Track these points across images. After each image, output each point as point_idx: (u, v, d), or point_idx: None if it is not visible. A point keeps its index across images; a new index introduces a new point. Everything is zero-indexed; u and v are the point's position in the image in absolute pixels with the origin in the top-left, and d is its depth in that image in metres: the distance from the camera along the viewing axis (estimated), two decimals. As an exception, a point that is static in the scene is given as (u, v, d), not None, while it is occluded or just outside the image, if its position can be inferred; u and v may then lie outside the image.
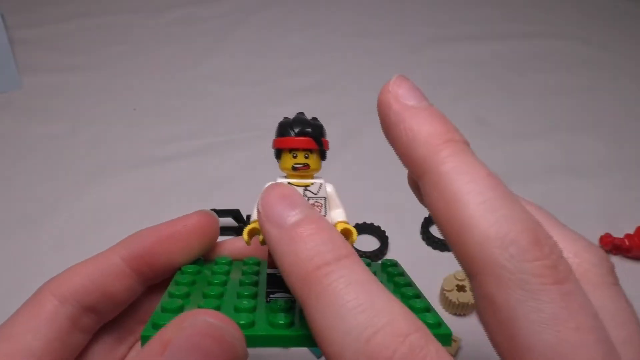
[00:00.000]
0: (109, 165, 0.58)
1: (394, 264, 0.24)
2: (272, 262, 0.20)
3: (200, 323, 0.15)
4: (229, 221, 0.48)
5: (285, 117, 0.21)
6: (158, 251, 0.22)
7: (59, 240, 0.48)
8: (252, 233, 0.20)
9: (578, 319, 0.13)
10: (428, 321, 0.18)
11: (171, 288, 0.20)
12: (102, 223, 0.50)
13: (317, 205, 0.20)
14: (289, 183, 0.20)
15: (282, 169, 0.20)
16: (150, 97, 0.70)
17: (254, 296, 0.20)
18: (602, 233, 0.48)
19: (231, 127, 0.64)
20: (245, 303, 0.19)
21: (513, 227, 0.14)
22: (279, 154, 0.20)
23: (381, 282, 0.21)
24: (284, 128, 0.20)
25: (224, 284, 0.21)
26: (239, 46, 0.82)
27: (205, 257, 0.24)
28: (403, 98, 0.18)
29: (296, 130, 0.20)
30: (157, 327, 0.17)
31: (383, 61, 0.78)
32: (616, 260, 0.47)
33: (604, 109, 0.69)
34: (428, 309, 0.19)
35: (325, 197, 0.20)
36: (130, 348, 0.23)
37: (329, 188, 0.20)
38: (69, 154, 0.60)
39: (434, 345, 0.14)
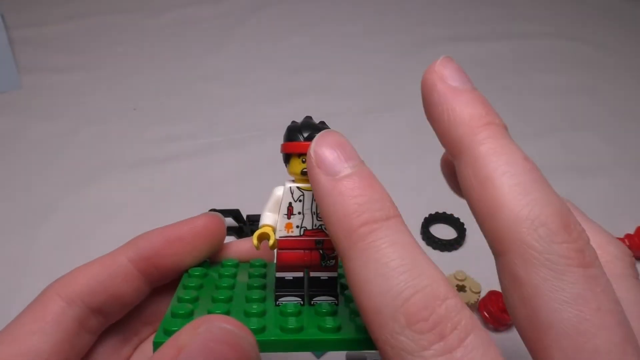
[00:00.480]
0: (109, 165, 0.58)
1: None
2: (280, 265, 0.20)
3: (215, 329, 0.15)
4: (229, 221, 0.48)
5: (294, 121, 0.20)
6: (165, 253, 0.22)
7: (59, 240, 0.48)
8: (262, 238, 0.20)
9: (600, 301, 0.14)
10: None
11: (180, 292, 0.20)
12: (102, 223, 0.50)
13: None
14: (298, 187, 0.20)
15: (291, 173, 0.20)
16: (150, 97, 0.70)
17: (263, 300, 0.20)
18: (602, 233, 0.48)
19: (231, 127, 0.64)
20: (255, 307, 0.19)
21: (544, 210, 0.15)
22: (287, 158, 0.20)
23: None
24: (293, 132, 0.20)
25: (232, 287, 0.21)
26: (239, 46, 0.82)
27: (211, 259, 0.24)
28: (448, 79, 0.18)
29: (305, 134, 0.20)
30: (168, 333, 0.17)
31: (383, 61, 0.78)
32: (616, 260, 0.47)
33: (604, 109, 0.69)
34: None
35: None
36: (135, 349, 0.23)
37: None
38: (69, 153, 0.60)
39: (468, 311, 0.14)
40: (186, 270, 0.22)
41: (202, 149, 0.60)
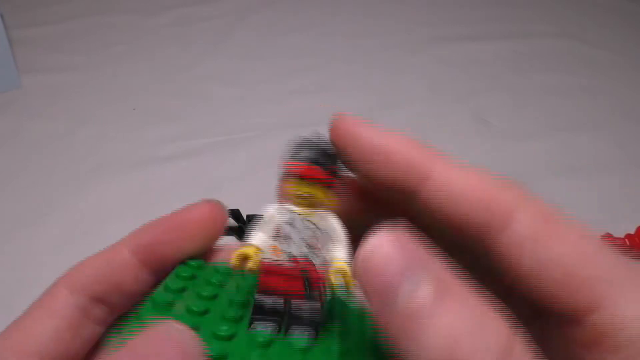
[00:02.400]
0: (109, 165, 0.58)
1: None
2: (262, 289, 0.18)
3: (160, 328, 0.14)
4: (229, 221, 0.48)
5: (304, 137, 0.19)
6: (165, 240, 0.21)
7: (59, 240, 0.48)
8: (242, 257, 0.18)
9: None
10: None
11: (156, 294, 0.19)
12: (102, 223, 0.50)
13: (317, 238, 0.19)
14: (290, 210, 0.19)
15: (285, 192, 0.19)
16: (150, 97, 0.70)
17: (239, 320, 0.18)
18: (603, 233, 0.48)
19: (231, 127, 0.64)
20: (225, 329, 0.17)
21: None
22: (284, 176, 0.19)
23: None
24: (295, 151, 0.19)
25: (214, 297, 0.19)
26: (239, 46, 0.82)
27: (208, 258, 0.23)
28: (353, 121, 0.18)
29: (305, 157, 0.18)
30: (122, 332, 0.16)
31: (383, 61, 0.78)
32: (616, 260, 0.47)
33: (604, 109, 0.69)
34: None
35: (327, 231, 0.19)
36: None
37: (333, 220, 0.19)
38: (69, 153, 0.60)
39: None
40: (183, 262, 0.21)
41: (202, 149, 0.60)
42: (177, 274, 0.21)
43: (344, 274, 0.18)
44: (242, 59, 0.79)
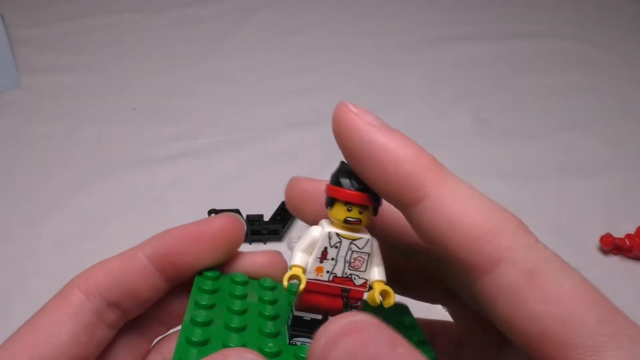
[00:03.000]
0: (109, 165, 0.58)
1: (405, 313, 0.23)
2: (302, 306, 0.20)
3: None
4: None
5: (343, 162, 0.20)
6: (183, 251, 0.21)
7: (59, 240, 0.48)
8: (292, 279, 0.19)
9: None
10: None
11: (193, 312, 0.19)
12: (102, 223, 0.50)
13: (360, 260, 0.20)
14: (337, 234, 0.19)
15: (333, 217, 0.19)
16: (150, 97, 0.70)
17: (276, 334, 0.19)
18: (603, 233, 0.48)
19: (231, 127, 0.64)
20: (271, 345, 0.18)
21: None
22: (331, 201, 0.20)
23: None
24: (343, 177, 0.19)
25: (244, 312, 0.20)
26: (239, 46, 0.82)
27: (222, 268, 0.24)
28: (367, 118, 0.18)
29: (356, 185, 0.19)
30: None
31: (383, 61, 0.78)
32: (617, 260, 0.47)
33: (604, 109, 0.69)
34: (424, 342, 0.18)
35: (369, 254, 0.20)
36: (152, 347, 0.24)
37: (375, 245, 0.20)
38: (69, 153, 0.60)
39: None
40: (199, 273, 0.22)
41: (202, 149, 0.60)
42: (200, 288, 0.21)
43: (384, 294, 0.19)
44: (242, 59, 0.79)
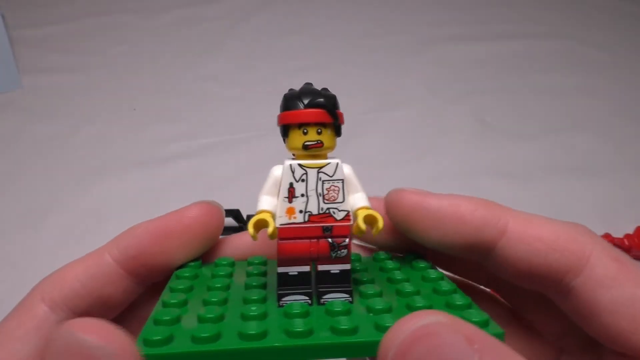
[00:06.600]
0: (109, 165, 0.58)
1: (419, 257, 0.21)
2: (283, 259, 0.17)
3: (65, 339, 0.13)
4: (229, 221, 0.48)
5: (291, 89, 0.18)
6: (153, 251, 0.19)
7: (59, 240, 0.48)
8: (259, 226, 0.17)
9: None
10: (473, 319, 0.15)
11: (165, 296, 0.18)
12: (102, 223, 0.50)
13: (334, 190, 0.17)
14: (300, 165, 0.17)
15: (291, 148, 0.17)
16: (150, 97, 0.70)
17: (264, 300, 0.17)
18: (602, 233, 0.48)
19: (231, 127, 0.64)
20: (255, 309, 0.16)
21: None
22: (285, 131, 0.17)
23: (409, 278, 0.19)
24: (291, 100, 0.17)
25: (227, 288, 0.18)
26: (239, 46, 0.82)
27: (204, 258, 0.22)
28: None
29: (306, 101, 0.17)
30: (148, 343, 0.15)
31: (383, 61, 0.78)
32: (616, 260, 0.47)
33: (604, 109, 0.69)
34: (470, 305, 0.16)
35: (342, 180, 0.17)
36: None
37: (347, 169, 0.18)
38: (69, 153, 0.60)
39: None
40: (177, 268, 0.20)
41: (202, 149, 0.61)
42: (177, 275, 0.20)
43: (372, 221, 0.17)
44: (242, 59, 0.79)
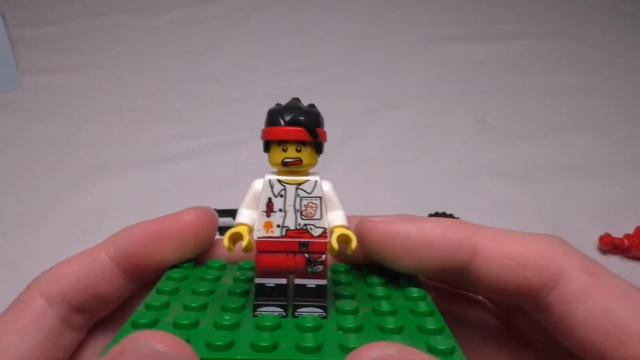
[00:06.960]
0: (109, 165, 0.58)
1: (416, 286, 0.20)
2: (260, 271, 0.17)
3: (143, 350, 0.13)
4: (229, 221, 0.47)
5: (278, 104, 0.18)
6: (147, 252, 0.20)
7: (59, 240, 0.48)
8: (235, 239, 0.17)
9: None
10: (439, 347, 0.15)
11: (149, 298, 0.18)
12: (102, 223, 0.50)
13: (312, 207, 0.17)
14: (279, 181, 0.17)
15: (272, 163, 0.18)
16: (150, 97, 0.70)
17: (242, 309, 0.17)
18: (602, 233, 0.48)
19: (231, 127, 0.64)
20: (228, 319, 0.16)
21: None
22: (267, 146, 0.18)
23: (390, 295, 0.18)
24: (274, 116, 0.18)
25: (211, 292, 0.19)
26: (239, 46, 0.82)
27: (197, 259, 0.22)
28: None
29: (287, 118, 0.17)
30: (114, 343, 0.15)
31: (383, 61, 0.78)
32: (616, 260, 0.47)
33: (604, 109, 0.69)
34: (441, 330, 0.16)
35: (320, 197, 0.17)
36: None
37: (326, 186, 0.18)
38: (69, 153, 0.60)
39: None
40: (171, 267, 0.21)
41: (202, 149, 0.61)
42: (168, 276, 0.20)
43: (347, 241, 0.17)
44: (242, 59, 0.79)
